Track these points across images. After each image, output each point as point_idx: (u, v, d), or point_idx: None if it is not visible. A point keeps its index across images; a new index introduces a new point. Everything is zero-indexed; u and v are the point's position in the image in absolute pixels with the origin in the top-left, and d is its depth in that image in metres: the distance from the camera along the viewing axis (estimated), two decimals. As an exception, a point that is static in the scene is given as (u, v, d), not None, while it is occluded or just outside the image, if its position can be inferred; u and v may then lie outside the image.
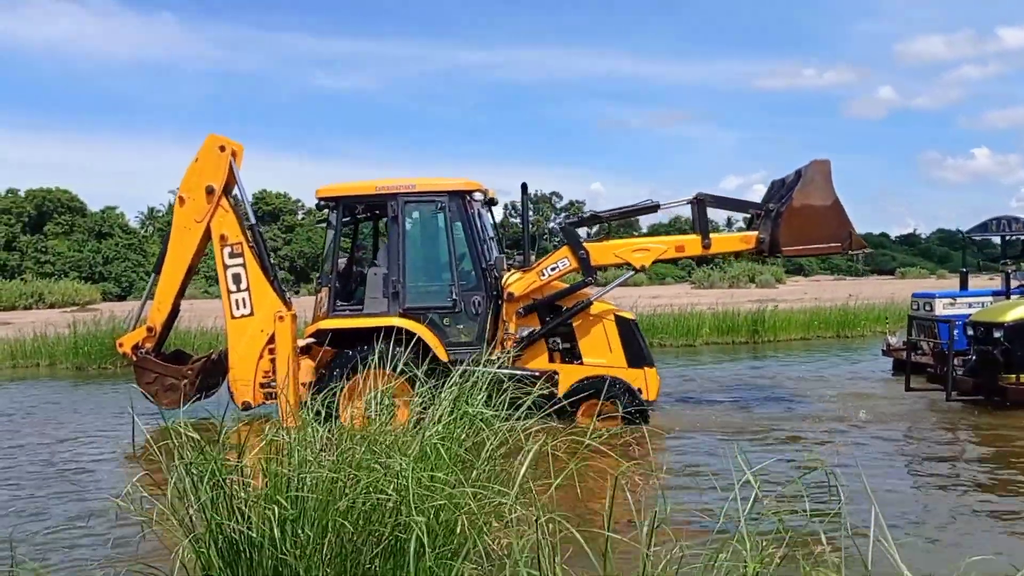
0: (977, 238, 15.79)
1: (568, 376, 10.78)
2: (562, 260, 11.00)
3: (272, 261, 11.55)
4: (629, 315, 11.39)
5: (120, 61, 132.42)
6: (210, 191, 11.08)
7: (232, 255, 11.17)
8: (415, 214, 11.13)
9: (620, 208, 11.36)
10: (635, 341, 11.03)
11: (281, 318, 10.78)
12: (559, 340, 11.11)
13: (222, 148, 11.16)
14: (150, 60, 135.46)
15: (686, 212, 11.75)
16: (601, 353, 10.92)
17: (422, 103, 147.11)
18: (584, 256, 10.93)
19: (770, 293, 41.83)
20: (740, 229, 12.87)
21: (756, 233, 11.07)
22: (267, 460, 4.41)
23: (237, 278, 11.14)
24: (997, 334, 10.85)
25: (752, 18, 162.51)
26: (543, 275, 10.95)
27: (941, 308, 13.58)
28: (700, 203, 10.95)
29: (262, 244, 11.42)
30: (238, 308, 11.11)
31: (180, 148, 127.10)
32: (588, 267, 10.96)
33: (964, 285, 14.93)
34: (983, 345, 11.04)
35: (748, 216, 11.92)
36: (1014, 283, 13.84)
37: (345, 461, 4.34)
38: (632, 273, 11.58)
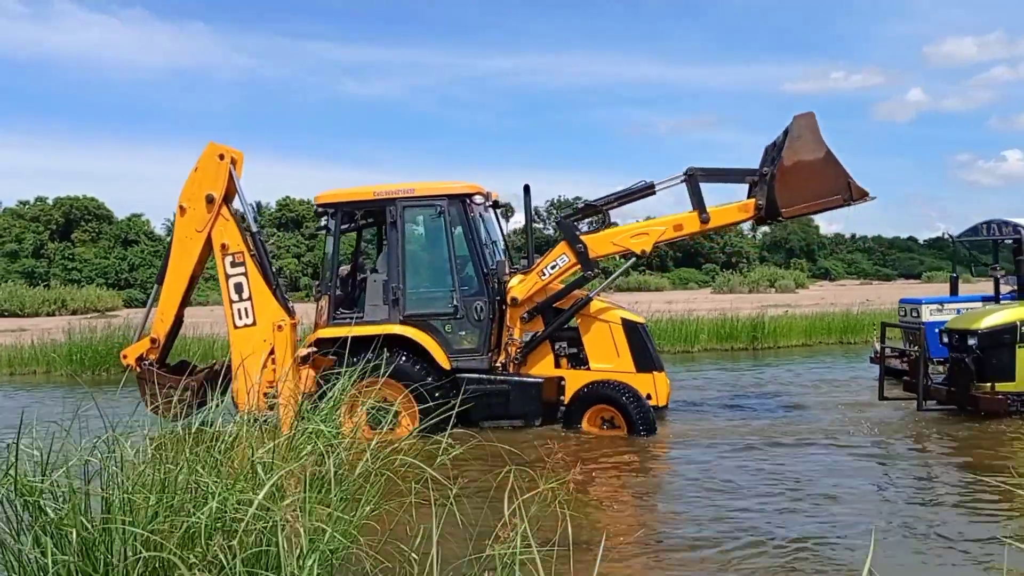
0: (967, 242, 14.98)
1: (574, 382, 10.57)
2: (561, 257, 10.66)
3: (274, 269, 11.42)
4: (638, 319, 11.06)
5: (150, 70, 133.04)
6: (210, 200, 10.95)
7: (234, 264, 11.04)
8: (414, 219, 10.92)
9: (615, 193, 10.85)
10: (643, 345, 10.71)
11: (280, 327, 10.65)
12: (566, 345, 10.86)
13: (221, 156, 11.02)
14: (180, 69, 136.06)
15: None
16: (608, 358, 10.64)
17: (448, 109, 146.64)
18: (582, 249, 10.57)
19: (789, 298, 41.41)
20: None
21: (754, 200, 10.54)
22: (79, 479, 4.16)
23: (239, 287, 11.02)
24: (971, 341, 10.46)
25: (779, 21, 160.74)
26: (543, 275, 10.65)
27: (928, 314, 13.16)
28: (691, 178, 10.47)
29: (264, 252, 11.27)
30: (240, 318, 10.98)
31: None
32: (587, 260, 10.60)
33: (954, 290, 14.55)
34: (958, 353, 10.64)
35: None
36: (1005, 288, 13.20)
37: (163, 480, 4.16)
38: (634, 260, 11.02)
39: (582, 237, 10.69)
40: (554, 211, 75.00)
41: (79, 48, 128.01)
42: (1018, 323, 10.36)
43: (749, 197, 10.79)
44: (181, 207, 11.22)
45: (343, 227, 11.28)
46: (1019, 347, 10.30)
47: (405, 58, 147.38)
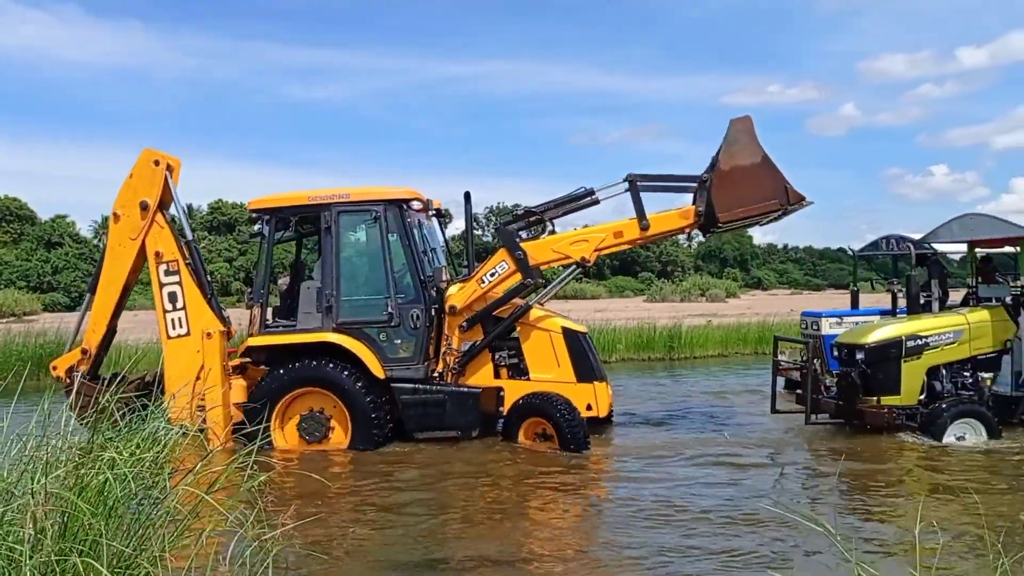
0: (867, 256, 15.66)
1: (513, 392, 10.54)
2: (500, 264, 10.56)
3: (209, 278, 11.23)
4: (579, 328, 11.05)
5: (85, 69, 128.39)
6: (144, 207, 10.76)
7: (168, 272, 10.85)
8: (350, 225, 10.75)
9: (556, 200, 10.81)
10: (584, 355, 10.67)
11: (208, 335, 10.50)
12: (506, 354, 10.82)
13: (157, 162, 10.82)
14: (117, 68, 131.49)
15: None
16: (549, 368, 10.62)
17: (396, 115, 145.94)
18: (521, 257, 10.48)
19: (716, 307, 42.11)
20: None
21: (694, 207, 10.50)
22: None
23: (173, 296, 10.82)
24: (859, 356, 10.56)
25: (722, 35, 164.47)
26: (483, 283, 10.56)
27: (827, 327, 13.38)
28: (632, 184, 10.44)
29: (199, 261, 11.07)
30: (174, 328, 10.79)
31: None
32: (527, 268, 10.49)
33: (855, 304, 14.74)
34: (847, 367, 10.73)
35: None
36: (903, 302, 13.17)
37: None
38: (575, 269, 10.88)
39: (522, 244, 10.61)
40: (493, 218, 75.04)
41: (11, 44, 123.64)
42: (903, 338, 10.49)
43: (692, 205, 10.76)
44: (115, 214, 10.99)
45: (277, 233, 11.06)
46: (904, 361, 10.42)
47: (353, 62, 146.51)
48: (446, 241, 12.53)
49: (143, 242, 10.85)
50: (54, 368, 11.27)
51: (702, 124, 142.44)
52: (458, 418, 10.32)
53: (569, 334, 10.71)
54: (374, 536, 7.08)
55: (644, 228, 10.52)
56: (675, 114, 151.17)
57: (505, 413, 10.53)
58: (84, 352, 11.11)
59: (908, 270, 12.64)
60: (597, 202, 10.81)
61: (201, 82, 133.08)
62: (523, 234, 10.88)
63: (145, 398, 11.09)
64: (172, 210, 11.08)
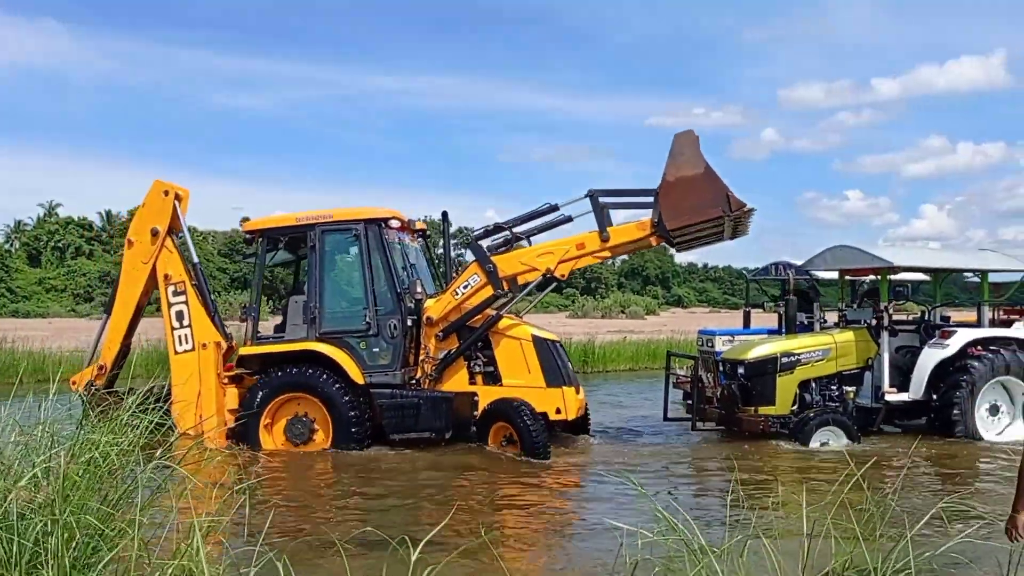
0: (758, 279, 16.97)
1: (486, 397, 10.96)
2: (472, 276, 11.08)
3: (213, 298, 12.13)
4: (550, 335, 11.45)
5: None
6: (155, 233, 11.77)
7: (176, 293, 11.78)
8: (333, 242, 11.46)
9: (521, 216, 11.37)
10: (553, 361, 11.05)
11: (204, 346, 11.32)
12: (481, 362, 11.25)
13: (166, 193, 11.85)
14: (32, 69, 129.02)
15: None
16: (520, 374, 11.02)
17: (327, 127, 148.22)
18: (491, 269, 11.01)
19: (634, 324, 42.97)
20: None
21: (651, 219, 10.94)
22: None
23: (180, 315, 11.73)
24: (740, 370, 11.59)
25: (651, 60, 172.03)
26: (456, 294, 11.10)
27: (720, 344, 13.85)
28: (593, 198, 10.92)
29: (204, 282, 12.00)
30: (181, 344, 11.67)
31: (66, 159, 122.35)
32: (496, 280, 10.99)
33: (747, 323, 15.82)
34: (730, 380, 11.65)
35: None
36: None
37: None
38: (540, 279, 11.29)
39: (492, 258, 11.14)
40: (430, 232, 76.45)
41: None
42: (779, 355, 11.53)
43: None
44: (129, 241, 12.07)
45: (273, 254, 11.92)
46: (779, 376, 11.45)
47: (281, 72, 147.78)
48: (431, 258, 13.15)
49: (154, 265, 11.86)
50: (74, 383, 12.23)
51: (630, 144, 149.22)
52: (432, 421, 10.81)
53: (539, 341, 11.12)
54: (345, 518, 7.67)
55: (605, 239, 10.95)
56: (604, 134, 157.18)
57: (478, 417, 10.99)
58: (100, 368, 12.09)
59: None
60: (570, 219, 11.29)
61: (122, 87, 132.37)
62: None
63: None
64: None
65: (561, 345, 11.64)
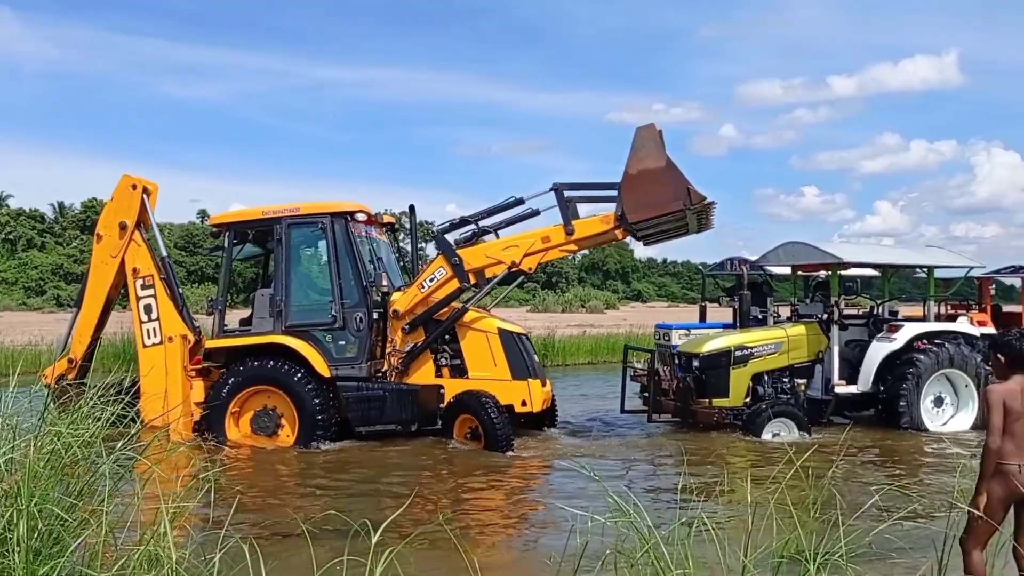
0: (714, 274, 17.66)
1: (452, 390, 11.18)
2: (439, 270, 11.25)
3: (181, 291, 12.25)
4: (516, 328, 11.67)
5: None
6: (123, 227, 11.85)
7: (144, 287, 11.87)
8: (299, 236, 11.60)
9: (486, 208, 11.54)
10: (519, 354, 11.26)
11: (171, 339, 11.46)
12: (448, 354, 11.45)
13: (134, 186, 11.93)
14: None
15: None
16: (486, 367, 11.23)
17: (279, 118, 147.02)
18: (457, 262, 11.18)
19: (594, 318, 43.33)
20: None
21: (614, 212, 11.07)
22: None
23: (148, 308, 11.83)
24: (695, 363, 11.91)
25: (609, 55, 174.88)
26: (423, 287, 11.28)
27: (677, 338, 14.31)
28: (557, 192, 11.07)
29: (172, 275, 12.10)
30: (149, 337, 11.77)
31: (16, 149, 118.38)
32: (463, 273, 11.16)
33: (703, 317, 16.37)
34: (686, 372, 12.01)
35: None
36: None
37: None
38: (507, 272, 11.44)
39: (458, 251, 11.34)
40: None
41: None
42: (732, 348, 11.88)
43: None
44: (98, 235, 12.14)
45: (242, 247, 12.08)
46: (733, 368, 11.79)
47: (233, 62, 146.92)
48: (399, 251, 13.36)
49: (122, 259, 11.95)
50: (44, 376, 12.30)
51: (586, 140, 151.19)
52: (398, 413, 11.03)
53: (505, 334, 11.33)
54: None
55: (569, 232, 11.15)
56: (561, 129, 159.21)
57: (444, 410, 11.21)
58: (70, 361, 12.15)
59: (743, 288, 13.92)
60: (537, 212, 11.49)
61: (73, 74, 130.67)
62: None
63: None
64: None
65: (527, 338, 11.85)
